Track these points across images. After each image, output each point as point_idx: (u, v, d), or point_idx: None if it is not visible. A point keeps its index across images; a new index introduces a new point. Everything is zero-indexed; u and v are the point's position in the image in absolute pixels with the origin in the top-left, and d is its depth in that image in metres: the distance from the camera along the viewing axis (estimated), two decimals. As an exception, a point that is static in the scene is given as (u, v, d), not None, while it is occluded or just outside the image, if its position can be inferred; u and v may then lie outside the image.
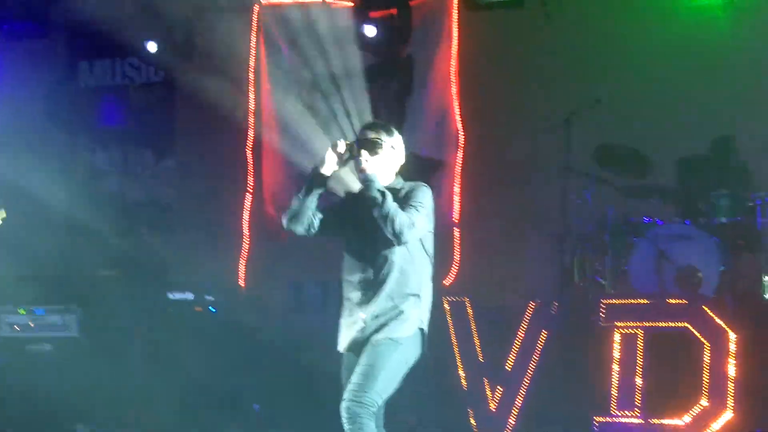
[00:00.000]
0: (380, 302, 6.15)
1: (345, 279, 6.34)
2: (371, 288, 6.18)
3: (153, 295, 10.73)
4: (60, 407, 10.15)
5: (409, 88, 12.85)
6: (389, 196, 6.01)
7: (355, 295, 6.25)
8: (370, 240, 6.15)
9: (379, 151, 6.24)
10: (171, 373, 10.25)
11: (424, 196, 6.20)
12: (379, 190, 6.02)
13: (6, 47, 13.59)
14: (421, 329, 6.23)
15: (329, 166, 6.20)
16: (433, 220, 6.31)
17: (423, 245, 6.25)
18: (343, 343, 6.29)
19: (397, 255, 6.14)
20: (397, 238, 6.01)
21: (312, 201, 6.24)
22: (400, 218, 5.97)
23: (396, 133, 6.40)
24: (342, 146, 6.20)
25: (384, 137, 6.29)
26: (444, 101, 12.50)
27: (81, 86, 14.16)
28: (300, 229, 6.31)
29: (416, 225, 6.04)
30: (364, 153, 6.19)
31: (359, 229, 6.21)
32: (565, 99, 11.46)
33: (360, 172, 6.15)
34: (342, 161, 6.22)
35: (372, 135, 6.28)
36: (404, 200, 6.12)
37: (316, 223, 6.31)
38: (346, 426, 5.90)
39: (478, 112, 12.29)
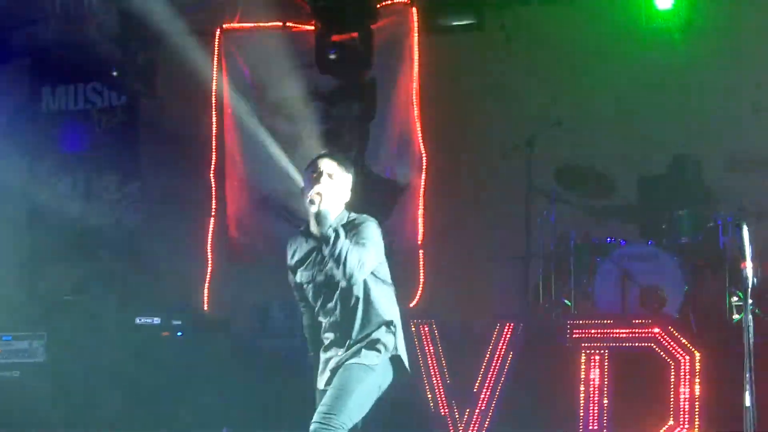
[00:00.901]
0: (353, 335, 6.18)
1: (316, 322, 6.38)
2: (342, 324, 6.21)
3: (120, 319, 10.70)
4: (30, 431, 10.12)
5: (371, 111, 12.89)
6: (341, 236, 5.99)
7: (328, 334, 6.28)
8: (331, 279, 6.17)
9: (333, 182, 6.23)
10: (139, 398, 10.23)
11: (371, 231, 6.17)
12: (332, 227, 6.01)
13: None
14: (396, 355, 6.25)
15: None
16: (383, 249, 6.27)
17: (377, 276, 6.26)
18: (321, 382, 6.30)
19: (360, 288, 6.16)
20: (348, 278, 6.02)
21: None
22: (351, 259, 5.96)
23: (349, 167, 6.40)
24: None
25: (338, 168, 6.29)
26: (406, 124, 12.55)
27: (43, 111, 14.11)
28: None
29: (365, 264, 6.04)
30: (322, 180, 6.18)
31: (319, 270, 6.24)
32: (526, 120, 11.55)
33: (310, 203, 6.11)
34: None
35: (327, 166, 6.26)
36: (352, 236, 6.11)
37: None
38: (316, 448, 5.90)
39: (440, 134, 12.35)
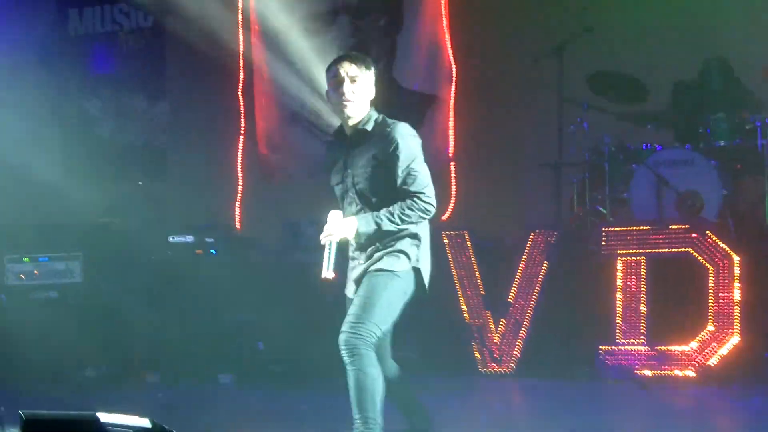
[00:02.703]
0: (378, 244, 6.11)
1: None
2: (369, 235, 6.12)
3: (153, 238, 10.70)
4: (68, 352, 10.18)
5: (399, 23, 12.77)
6: (386, 223, 5.99)
7: (355, 242, 6.20)
8: (361, 188, 6.12)
9: (355, 85, 6.14)
10: (175, 315, 10.28)
11: (409, 146, 6.07)
12: (378, 229, 6.01)
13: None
14: (417, 268, 6.16)
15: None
16: (419, 155, 6.13)
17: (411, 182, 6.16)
18: (349, 289, 6.27)
19: (391, 200, 6.08)
20: (428, 216, 6.08)
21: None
22: (411, 219, 6.01)
23: (370, 64, 6.28)
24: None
25: (359, 70, 6.18)
26: (435, 35, 12.44)
27: (71, 34, 14.07)
28: None
29: (425, 190, 6.01)
30: (345, 87, 6.13)
31: (349, 180, 6.18)
32: (556, 28, 11.41)
33: (341, 107, 6.12)
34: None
35: (349, 69, 6.16)
36: (385, 144, 6.04)
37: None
38: (345, 358, 5.87)
39: (469, 45, 12.24)
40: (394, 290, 6.06)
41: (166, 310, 10.27)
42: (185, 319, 10.20)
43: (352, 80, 6.14)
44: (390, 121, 6.19)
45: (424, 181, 6.03)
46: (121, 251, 10.63)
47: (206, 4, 12.73)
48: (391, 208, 5.99)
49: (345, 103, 6.10)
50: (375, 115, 6.23)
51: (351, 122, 6.15)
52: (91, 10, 14.02)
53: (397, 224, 5.99)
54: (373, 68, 6.29)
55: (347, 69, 6.16)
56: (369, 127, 6.16)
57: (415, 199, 5.99)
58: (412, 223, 6.01)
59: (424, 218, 6.05)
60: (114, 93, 13.90)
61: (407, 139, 6.09)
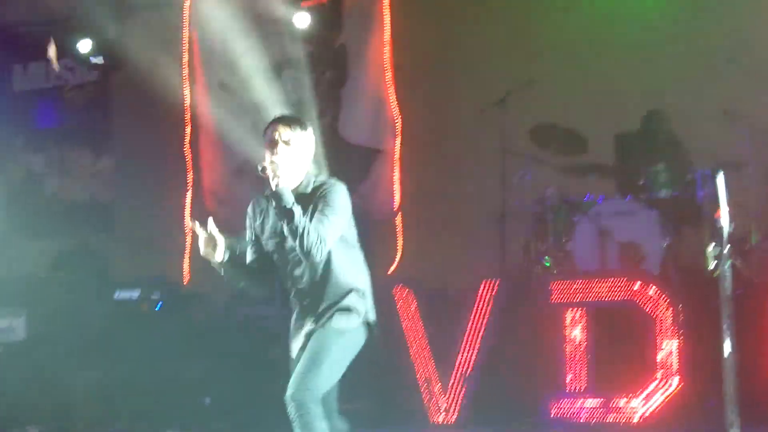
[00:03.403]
0: (324, 302, 6.10)
1: (287, 289, 6.26)
2: (311, 292, 6.12)
3: (98, 294, 10.66)
4: (11, 409, 10.10)
5: (343, 77, 12.86)
6: (298, 213, 5.83)
7: (298, 303, 6.20)
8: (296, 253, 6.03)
9: (290, 148, 6.06)
10: (120, 372, 10.22)
11: (336, 196, 6.03)
12: (287, 208, 5.83)
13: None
14: (368, 322, 6.18)
15: (215, 250, 6.06)
16: (350, 215, 6.12)
17: (346, 241, 6.15)
18: (294, 350, 6.23)
19: (327, 256, 6.03)
20: (306, 256, 5.91)
21: (236, 270, 6.22)
22: (310, 237, 5.83)
23: (306, 125, 6.20)
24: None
25: (293, 133, 6.10)
26: (379, 88, 12.52)
27: (15, 89, 14.04)
28: (254, 285, 6.32)
29: (325, 239, 5.91)
30: (277, 151, 6.01)
31: (284, 239, 6.06)
32: (499, 81, 11.50)
33: (264, 174, 5.89)
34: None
35: (282, 132, 6.08)
36: (318, 201, 6.00)
37: (259, 266, 6.26)
38: (292, 413, 5.82)
39: (413, 98, 12.31)
40: (342, 347, 6.05)
41: (112, 366, 10.21)
42: (131, 375, 10.15)
43: (286, 143, 6.05)
44: (329, 180, 6.17)
45: (329, 229, 5.94)
46: (66, 307, 10.57)
47: (151, 57, 12.75)
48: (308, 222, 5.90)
49: (276, 171, 5.88)
50: (313, 177, 6.18)
51: (279, 198, 5.87)
52: (35, 65, 13.99)
53: (301, 231, 5.82)
54: (309, 129, 6.22)
55: (281, 132, 6.08)
56: (308, 190, 6.11)
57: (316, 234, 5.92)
58: (302, 242, 5.84)
59: (307, 253, 5.88)
60: (59, 148, 13.87)
61: (339, 193, 6.07)
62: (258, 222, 6.27)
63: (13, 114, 13.91)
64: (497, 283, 9.80)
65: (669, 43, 11.37)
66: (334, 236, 5.99)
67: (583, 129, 11.12)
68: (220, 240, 6.03)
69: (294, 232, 5.83)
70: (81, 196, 13.62)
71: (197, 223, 6.04)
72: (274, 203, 5.89)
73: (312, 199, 6.04)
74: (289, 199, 5.85)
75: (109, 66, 13.37)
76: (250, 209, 6.34)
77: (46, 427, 10.35)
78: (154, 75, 12.52)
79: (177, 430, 10.11)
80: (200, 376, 10.23)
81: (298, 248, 5.88)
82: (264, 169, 5.90)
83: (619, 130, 11.23)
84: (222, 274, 6.22)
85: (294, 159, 6.06)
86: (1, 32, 13.87)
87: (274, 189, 5.86)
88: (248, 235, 6.33)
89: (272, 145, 6.05)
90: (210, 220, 6.06)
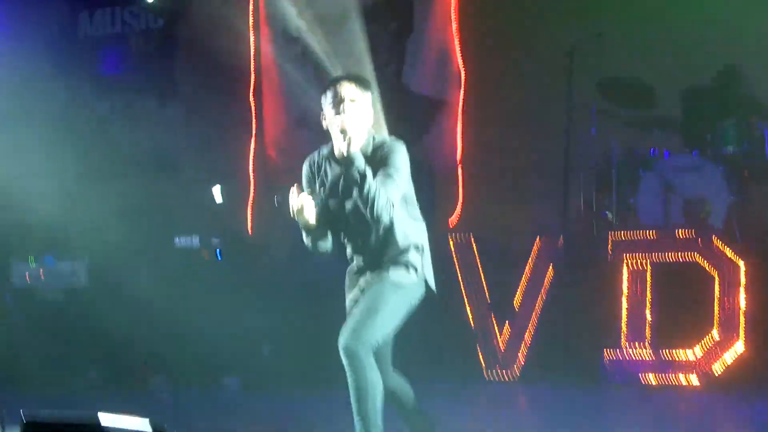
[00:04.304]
0: (383, 256, 6.08)
1: (346, 243, 6.23)
2: (370, 248, 6.11)
3: (160, 241, 10.72)
4: (72, 354, 10.21)
5: (408, 28, 12.76)
6: (369, 177, 5.83)
7: (356, 258, 6.19)
8: (359, 209, 5.98)
9: (355, 106, 6.01)
10: (181, 319, 10.27)
11: (398, 157, 6.01)
12: (359, 172, 5.83)
13: (5, 1, 13.51)
14: (425, 278, 6.15)
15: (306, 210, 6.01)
16: (409, 174, 6.06)
17: (406, 200, 6.12)
18: (349, 301, 6.22)
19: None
20: (376, 220, 5.92)
21: (321, 234, 6.16)
22: (380, 201, 5.83)
23: (369, 86, 6.16)
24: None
25: (358, 91, 6.06)
26: (444, 40, 12.42)
27: (81, 36, 14.09)
28: (324, 242, 6.22)
29: (394, 199, 5.91)
30: (345, 109, 5.96)
31: (347, 198, 6.05)
32: (566, 33, 11.36)
33: (342, 135, 5.90)
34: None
35: (348, 90, 6.02)
36: (380, 163, 5.98)
37: (322, 223, 6.16)
38: (345, 362, 5.83)
39: (478, 50, 12.20)
40: (398, 300, 6.04)
41: (172, 312, 10.27)
42: (190, 322, 10.20)
43: (352, 101, 6.02)
44: (388, 139, 6.14)
45: (395, 191, 5.94)
46: (127, 253, 10.64)
47: (216, 6, 12.74)
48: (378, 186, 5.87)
49: (345, 128, 5.91)
50: (373, 140, 6.15)
51: (350, 161, 5.88)
52: (102, 11, 14.03)
53: (372, 195, 5.82)
54: (371, 90, 6.19)
55: (347, 90, 6.04)
56: (368, 150, 6.07)
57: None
58: (373, 206, 5.84)
59: (378, 216, 5.89)
60: (124, 95, 13.91)
61: (400, 153, 6.04)
62: (317, 180, 6.24)
63: (78, 61, 13.97)
64: (559, 236, 9.76)
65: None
66: (399, 196, 6.00)
67: (650, 83, 10.98)
68: (309, 202, 6.00)
69: (365, 197, 5.84)
70: (145, 143, 13.64)
71: (294, 190, 5.97)
72: (345, 167, 5.88)
73: (374, 160, 6.01)
74: (362, 164, 5.85)
75: (175, 13, 13.36)
76: (306, 168, 6.31)
77: (105, 374, 10.46)
78: (219, 23, 12.50)
79: (236, 378, 10.18)
80: (259, 325, 10.26)
81: (368, 212, 5.88)
82: (338, 132, 5.91)
83: (687, 84, 11.08)
84: (306, 236, 6.18)
85: (358, 118, 6.02)
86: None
87: (346, 153, 5.86)
88: (297, 189, 6.28)
89: (338, 103, 6.00)
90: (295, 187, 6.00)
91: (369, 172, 5.85)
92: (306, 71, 12.92)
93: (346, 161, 5.86)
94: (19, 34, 13.42)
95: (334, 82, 6.12)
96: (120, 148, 13.65)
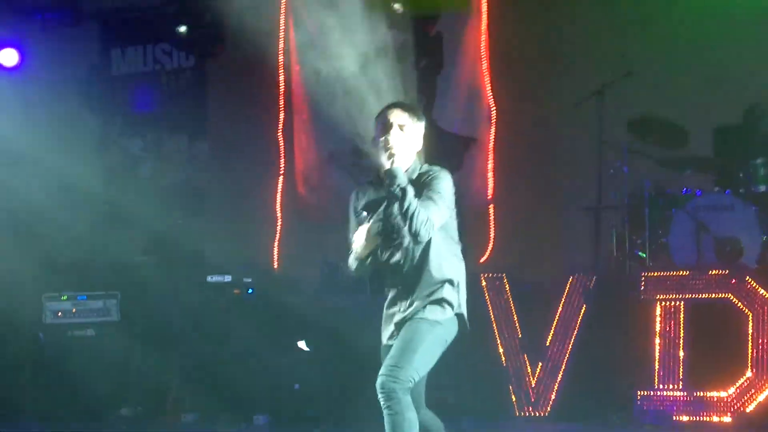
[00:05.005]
0: (417, 291, 6.10)
1: (383, 274, 6.27)
2: (407, 279, 6.13)
3: (191, 278, 10.75)
4: (104, 391, 10.23)
5: (439, 65, 12.80)
6: (410, 193, 5.89)
7: (393, 289, 6.22)
8: (398, 234, 6.04)
9: (404, 133, 6.11)
10: (211, 355, 10.30)
11: (443, 184, 6.08)
12: (401, 187, 5.89)
13: (40, 37, 13.63)
14: (459, 314, 6.18)
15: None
16: (453, 205, 6.16)
17: (447, 231, 6.17)
18: (385, 336, 6.25)
19: (427, 244, 6.06)
20: (414, 236, 5.94)
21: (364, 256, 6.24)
22: (419, 216, 5.87)
23: (421, 116, 6.27)
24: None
25: (409, 119, 6.17)
26: (475, 77, 12.45)
27: (114, 73, 14.20)
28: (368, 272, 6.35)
29: (433, 222, 5.95)
30: (392, 133, 6.07)
31: (389, 225, 6.10)
32: (597, 71, 11.39)
33: (385, 153, 6.01)
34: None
35: (397, 116, 6.15)
36: (423, 188, 6.04)
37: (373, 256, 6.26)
38: (382, 401, 5.84)
39: (509, 87, 12.22)
40: (435, 338, 6.05)
41: (203, 349, 10.30)
42: (222, 359, 10.22)
43: (401, 128, 6.12)
44: (434, 168, 6.20)
45: (435, 213, 5.97)
46: (159, 290, 10.68)
47: (247, 44, 12.80)
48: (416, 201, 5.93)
49: (391, 151, 6.02)
50: (419, 165, 6.22)
51: (392, 177, 5.96)
52: (134, 49, 14.14)
53: (412, 210, 5.86)
54: (423, 120, 6.28)
55: (397, 116, 6.15)
56: (414, 176, 6.12)
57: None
58: (412, 221, 5.88)
59: (416, 233, 5.91)
60: (155, 132, 14.00)
61: (445, 180, 6.10)
62: (361, 210, 6.31)
63: (111, 98, 14.07)
64: (590, 275, 9.73)
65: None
66: (439, 220, 6.02)
67: (682, 121, 10.98)
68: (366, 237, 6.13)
69: (405, 211, 5.88)
70: (176, 180, 13.70)
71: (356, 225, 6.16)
72: (387, 181, 5.95)
73: (417, 183, 6.07)
74: (403, 178, 5.93)
75: (205, 51, 13.45)
76: (353, 198, 6.40)
77: (138, 409, 10.47)
78: (250, 61, 12.57)
79: (267, 415, 10.16)
80: (291, 361, 10.25)
81: (406, 228, 5.92)
82: (383, 153, 6.03)
83: (718, 123, 11.07)
84: (355, 268, 6.27)
85: (405, 144, 6.11)
86: (99, 17, 14.04)
87: (388, 167, 5.96)
88: (352, 225, 6.35)
89: (386, 127, 6.12)
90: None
91: (410, 189, 5.91)
92: (336, 108, 12.95)
93: (389, 175, 5.94)
94: (52, 72, 13.53)
95: (386, 108, 6.25)
96: (151, 184, 13.72)
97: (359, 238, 6.13)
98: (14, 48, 13.46)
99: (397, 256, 6.14)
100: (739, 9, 11.14)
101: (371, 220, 6.21)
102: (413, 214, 5.87)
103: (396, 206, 5.92)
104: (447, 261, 6.17)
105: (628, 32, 11.70)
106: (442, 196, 6.04)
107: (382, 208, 6.16)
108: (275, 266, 12.71)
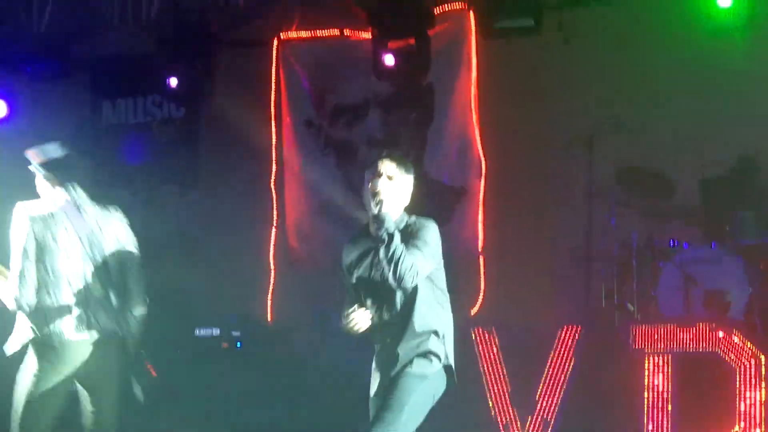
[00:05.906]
0: (404, 343, 6.12)
1: (371, 329, 6.27)
2: (393, 330, 6.16)
3: (180, 330, 10.73)
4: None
5: (429, 117, 12.86)
6: (397, 238, 5.93)
7: (380, 341, 6.25)
8: (385, 282, 6.07)
9: (392, 183, 6.18)
10: (200, 410, 10.26)
11: (429, 234, 6.13)
12: (388, 232, 5.94)
13: (29, 88, 13.65)
14: (447, 365, 6.19)
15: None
16: (440, 255, 6.20)
17: (433, 282, 6.20)
18: (372, 389, 6.27)
19: (413, 293, 6.10)
20: (398, 282, 5.97)
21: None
22: (405, 262, 5.91)
23: (410, 168, 6.32)
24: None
25: (397, 170, 6.22)
26: (465, 129, 12.52)
27: (104, 124, 14.23)
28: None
29: (418, 269, 5.98)
30: (380, 182, 6.14)
31: (374, 272, 6.18)
32: (585, 123, 11.45)
33: (374, 200, 6.07)
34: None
35: (387, 167, 6.20)
36: (409, 237, 6.07)
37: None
38: (373, 460, 5.86)
39: (499, 139, 12.27)
40: (422, 394, 6.06)
41: (191, 405, 10.26)
42: (210, 415, 10.18)
43: (390, 178, 6.17)
44: (422, 218, 6.25)
45: (421, 261, 6.00)
46: (146, 342, 10.64)
47: (238, 96, 12.88)
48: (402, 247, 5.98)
49: (379, 197, 6.08)
50: (406, 217, 6.26)
51: (380, 223, 6.02)
52: (124, 101, 14.17)
53: (397, 256, 5.91)
54: (412, 173, 6.33)
55: (386, 167, 6.20)
56: (401, 226, 6.15)
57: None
58: (397, 267, 5.92)
59: (400, 279, 5.95)
60: (146, 183, 14.00)
61: (431, 230, 6.15)
62: (350, 260, 6.36)
63: (101, 149, 14.07)
64: (579, 327, 9.75)
65: (759, 90, 11.16)
66: (424, 269, 6.05)
67: (669, 173, 11.02)
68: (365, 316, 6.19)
69: (390, 257, 5.91)
70: (167, 230, 13.70)
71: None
72: (375, 226, 6.01)
73: (404, 233, 6.10)
74: (391, 224, 5.97)
75: (196, 104, 13.49)
76: (344, 253, 6.43)
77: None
78: (241, 112, 12.63)
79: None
80: (281, 415, 10.23)
81: (391, 274, 5.94)
82: (370, 201, 6.08)
83: (706, 175, 11.11)
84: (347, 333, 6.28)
85: (394, 194, 6.16)
86: (90, 68, 14.05)
87: (376, 213, 6.00)
88: (347, 281, 6.40)
89: (376, 177, 6.17)
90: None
91: (397, 235, 5.95)
92: (327, 161, 13.03)
93: (377, 220, 5.98)
94: (42, 122, 13.53)
95: (376, 159, 6.28)
96: (141, 236, 13.70)
97: (360, 321, 6.14)
98: (2, 99, 13.50)
99: (384, 307, 6.18)
100: (728, 61, 11.21)
101: (356, 269, 6.26)
102: (398, 259, 5.90)
103: (382, 251, 5.96)
104: (433, 311, 6.18)
105: (617, 83, 11.76)
106: (428, 245, 6.08)
107: (369, 257, 6.21)
108: (269, 318, 12.70)
